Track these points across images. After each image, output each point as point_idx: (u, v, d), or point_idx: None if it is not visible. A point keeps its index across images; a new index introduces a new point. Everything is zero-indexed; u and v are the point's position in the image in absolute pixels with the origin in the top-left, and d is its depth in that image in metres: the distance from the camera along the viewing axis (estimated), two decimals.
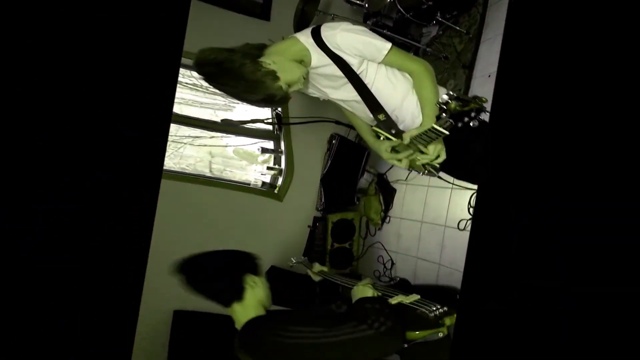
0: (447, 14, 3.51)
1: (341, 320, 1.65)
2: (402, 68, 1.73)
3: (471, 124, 1.34)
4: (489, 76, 3.18)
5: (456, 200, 3.22)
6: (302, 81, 1.71)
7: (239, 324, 1.68)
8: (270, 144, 4.60)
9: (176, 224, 3.82)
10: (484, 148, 1.71)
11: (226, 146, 4.72)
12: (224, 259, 1.78)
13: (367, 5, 3.64)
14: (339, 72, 1.71)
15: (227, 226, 4.20)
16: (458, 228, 3.10)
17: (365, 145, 4.06)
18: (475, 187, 2.92)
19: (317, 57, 1.69)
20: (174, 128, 4.40)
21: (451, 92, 1.30)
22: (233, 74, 1.59)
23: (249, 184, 4.57)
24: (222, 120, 3.35)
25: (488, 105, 1.32)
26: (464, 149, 1.71)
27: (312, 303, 3.59)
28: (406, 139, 1.59)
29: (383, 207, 3.95)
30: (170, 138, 4.36)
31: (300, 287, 3.58)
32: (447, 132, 1.37)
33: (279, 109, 4.13)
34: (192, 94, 4.53)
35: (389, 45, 1.64)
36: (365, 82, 1.72)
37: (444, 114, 1.32)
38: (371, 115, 1.78)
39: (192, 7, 3.26)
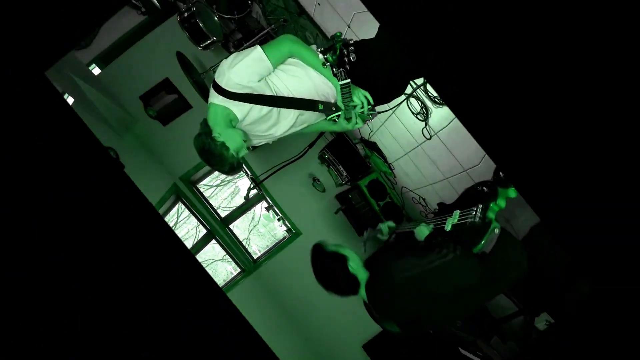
0: None
1: (426, 250, 1.91)
2: (283, 56, 1.78)
3: (352, 58, 1.52)
4: (319, 4, 3.33)
5: (405, 119, 3.42)
6: (244, 146, 1.78)
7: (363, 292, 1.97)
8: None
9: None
10: (379, 62, 1.85)
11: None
12: (324, 263, 2.00)
13: (214, 38, 3.96)
14: (265, 108, 1.76)
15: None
16: (427, 138, 3.28)
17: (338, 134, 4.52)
18: (401, 97, 3.10)
19: (237, 109, 1.73)
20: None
21: (319, 49, 1.50)
22: (212, 154, 1.74)
23: (285, 237, 5.36)
24: (244, 198, 4.10)
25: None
26: (368, 78, 1.85)
27: None
28: (342, 105, 1.76)
29: (383, 159, 4.34)
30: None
31: None
32: (348, 79, 1.55)
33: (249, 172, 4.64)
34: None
35: (258, 48, 1.70)
36: (284, 94, 1.77)
37: (334, 69, 1.50)
38: (318, 113, 1.86)
39: (161, 138, 4.75)
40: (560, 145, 0.98)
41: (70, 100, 3.94)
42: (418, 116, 3.17)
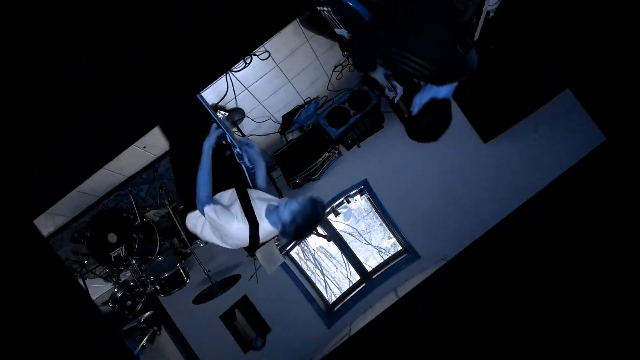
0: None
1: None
2: (208, 197, 2.04)
3: (224, 142, 2.22)
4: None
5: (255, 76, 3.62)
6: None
7: None
8: None
9: None
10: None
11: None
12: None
13: (174, 270, 4.05)
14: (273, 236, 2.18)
15: None
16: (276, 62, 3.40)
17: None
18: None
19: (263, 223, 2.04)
20: None
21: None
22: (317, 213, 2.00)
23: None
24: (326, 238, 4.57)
25: None
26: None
27: None
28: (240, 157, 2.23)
29: (302, 106, 4.39)
30: None
31: None
32: (237, 149, 2.20)
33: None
34: None
35: (197, 213, 2.05)
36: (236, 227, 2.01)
37: (238, 160, 2.14)
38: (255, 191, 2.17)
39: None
40: None
41: None
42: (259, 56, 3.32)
